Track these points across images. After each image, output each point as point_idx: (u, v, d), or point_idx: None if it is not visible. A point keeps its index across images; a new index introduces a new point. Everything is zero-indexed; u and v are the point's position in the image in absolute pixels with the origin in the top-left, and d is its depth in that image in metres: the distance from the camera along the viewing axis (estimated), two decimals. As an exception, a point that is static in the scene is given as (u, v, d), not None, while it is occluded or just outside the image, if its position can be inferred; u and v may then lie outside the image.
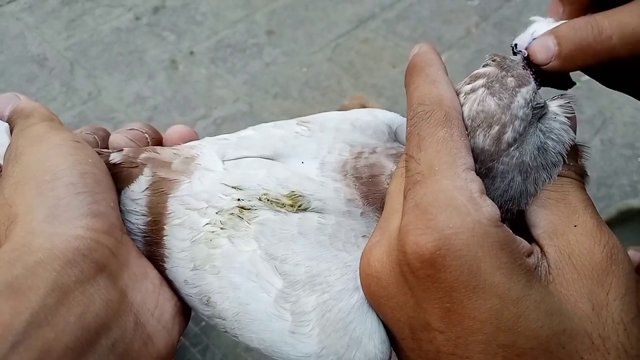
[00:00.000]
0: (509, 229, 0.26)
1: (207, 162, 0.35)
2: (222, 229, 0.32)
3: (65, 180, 0.30)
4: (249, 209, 0.32)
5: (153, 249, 0.34)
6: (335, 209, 0.32)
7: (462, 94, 0.30)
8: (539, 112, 0.30)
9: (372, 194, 0.32)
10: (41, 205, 0.29)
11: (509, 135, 0.29)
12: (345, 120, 0.37)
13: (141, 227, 0.34)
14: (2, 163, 0.34)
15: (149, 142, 0.38)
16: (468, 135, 0.29)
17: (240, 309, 0.31)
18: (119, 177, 0.35)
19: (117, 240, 0.31)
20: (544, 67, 0.31)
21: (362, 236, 0.32)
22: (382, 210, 0.32)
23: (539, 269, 0.26)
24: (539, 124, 0.30)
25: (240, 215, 0.32)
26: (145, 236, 0.34)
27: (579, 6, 0.34)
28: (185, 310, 0.34)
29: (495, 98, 0.29)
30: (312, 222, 0.32)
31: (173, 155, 0.36)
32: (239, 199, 0.33)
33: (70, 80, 1.53)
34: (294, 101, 1.52)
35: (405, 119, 0.39)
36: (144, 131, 0.39)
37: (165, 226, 0.33)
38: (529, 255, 0.26)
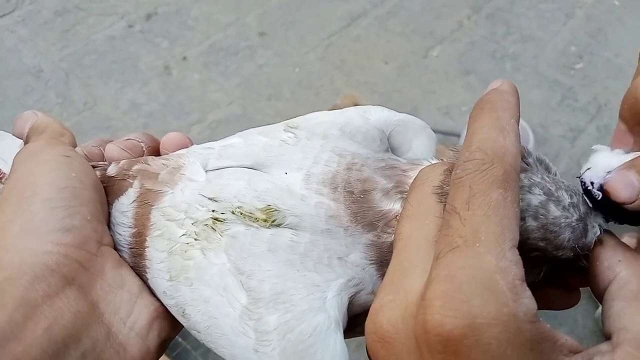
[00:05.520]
0: (545, 325, 0.24)
1: (190, 172, 0.35)
2: (196, 240, 0.32)
3: (42, 196, 0.31)
4: (222, 221, 0.32)
5: (137, 260, 0.34)
6: (312, 227, 0.31)
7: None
8: None
9: (362, 211, 0.31)
10: (17, 221, 0.30)
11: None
12: (334, 125, 0.35)
13: (127, 238, 0.34)
14: None
15: (144, 151, 0.39)
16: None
17: (210, 322, 0.31)
18: (112, 189, 0.36)
19: (90, 253, 0.31)
20: (629, 206, 0.28)
21: (338, 258, 0.30)
22: (369, 228, 0.30)
23: None
24: None
25: (214, 227, 0.32)
26: (130, 248, 0.34)
27: None
28: (170, 314, 0.34)
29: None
30: (284, 240, 0.31)
31: (162, 165, 0.36)
32: (213, 210, 0.32)
33: (66, 91, 1.54)
34: (287, 102, 1.52)
35: (406, 117, 0.37)
36: (140, 140, 0.39)
37: (147, 237, 0.34)
38: (569, 354, 0.24)
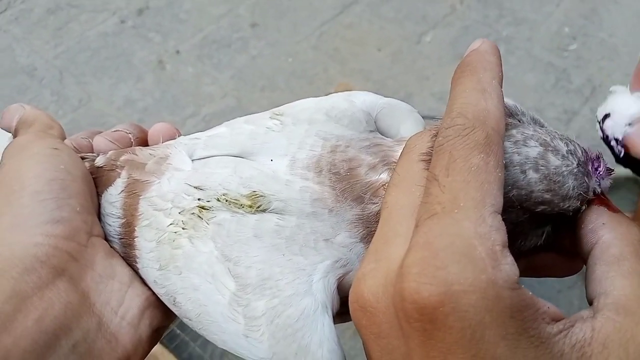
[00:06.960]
0: (527, 292, 0.23)
1: (177, 162, 0.35)
2: (183, 229, 0.32)
3: (31, 189, 0.31)
4: (208, 209, 0.32)
5: (127, 250, 0.34)
6: (298, 210, 0.31)
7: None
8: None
9: (349, 186, 0.31)
10: (6, 214, 0.30)
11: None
12: (319, 110, 0.35)
13: (117, 229, 0.35)
14: None
15: (132, 142, 0.39)
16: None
17: (200, 310, 0.31)
18: (101, 180, 0.36)
19: (80, 244, 0.32)
20: None
21: (324, 240, 0.30)
22: (357, 202, 0.30)
23: (569, 337, 0.23)
24: None
25: (200, 215, 0.32)
26: (120, 238, 0.35)
27: None
28: (162, 303, 0.34)
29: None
30: (269, 224, 0.31)
31: (149, 155, 0.36)
32: (199, 199, 0.33)
33: (61, 89, 1.54)
34: (281, 92, 1.52)
35: (392, 101, 0.37)
36: (128, 131, 0.39)
37: (136, 227, 0.34)
38: (551, 322, 0.23)
